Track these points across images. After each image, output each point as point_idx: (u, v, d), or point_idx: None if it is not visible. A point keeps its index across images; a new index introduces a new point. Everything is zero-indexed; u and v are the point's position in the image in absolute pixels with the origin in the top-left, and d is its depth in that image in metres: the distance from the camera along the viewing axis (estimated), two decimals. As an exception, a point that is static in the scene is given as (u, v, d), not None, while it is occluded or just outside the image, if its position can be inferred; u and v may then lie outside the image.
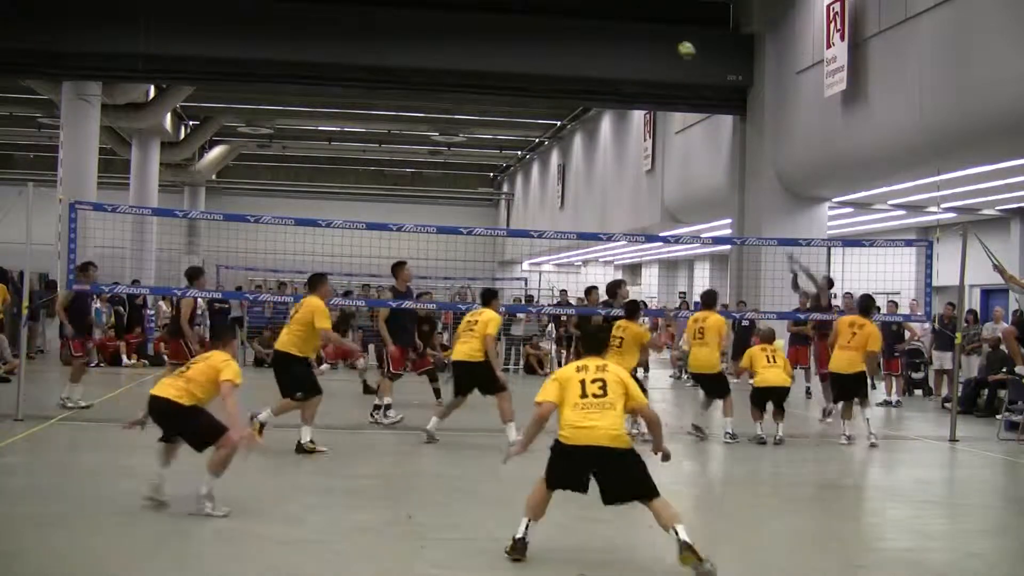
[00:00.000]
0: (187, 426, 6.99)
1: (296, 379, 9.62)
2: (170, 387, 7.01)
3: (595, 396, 5.95)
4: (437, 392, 12.78)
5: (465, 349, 10.36)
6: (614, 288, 12.57)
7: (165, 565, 5.70)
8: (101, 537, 6.25)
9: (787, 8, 19.32)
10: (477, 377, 10.30)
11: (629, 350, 10.72)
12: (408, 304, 12.36)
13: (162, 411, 7.02)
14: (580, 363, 6.22)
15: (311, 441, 9.55)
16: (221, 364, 7.13)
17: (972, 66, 13.80)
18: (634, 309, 11.22)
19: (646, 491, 5.91)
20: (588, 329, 6.53)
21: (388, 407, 11.84)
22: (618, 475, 5.95)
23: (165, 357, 12.78)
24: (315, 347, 10.18)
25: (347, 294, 21.35)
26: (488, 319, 10.42)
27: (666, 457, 6.33)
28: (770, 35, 19.92)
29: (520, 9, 20.58)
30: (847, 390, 11.35)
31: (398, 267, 12.43)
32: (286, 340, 9.70)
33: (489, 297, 11.04)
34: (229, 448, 6.86)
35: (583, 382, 6.02)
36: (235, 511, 7.06)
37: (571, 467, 6.01)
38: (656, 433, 6.25)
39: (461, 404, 10.52)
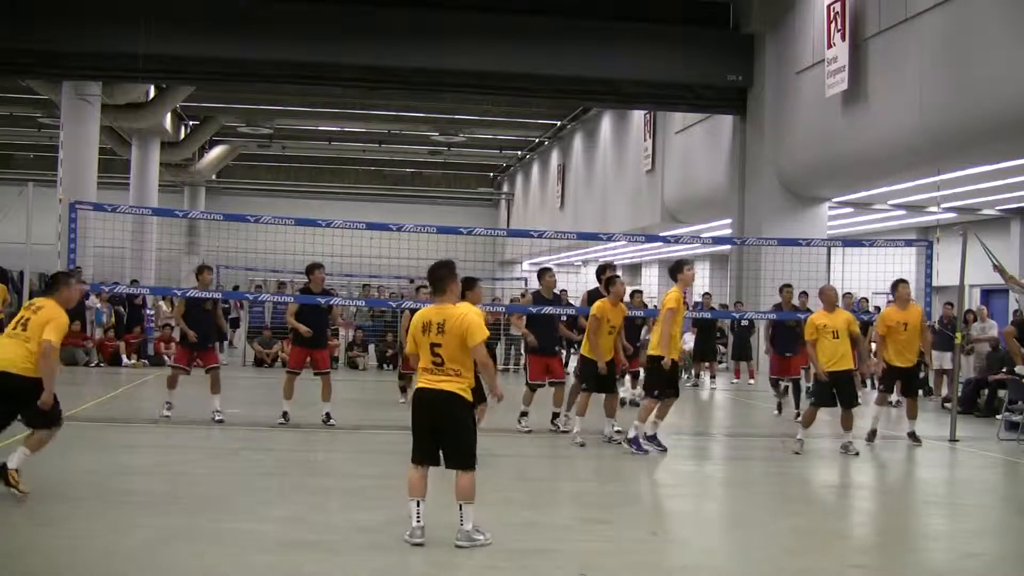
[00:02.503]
0: (462, 429, 6.17)
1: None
2: (443, 380, 6.08)
3: None
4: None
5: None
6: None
7: (165, 565, 5.69)
8: (100, 537, 6.24)
9: (787, 8, 19.32)
10: None
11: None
12: (549, 309, 11.86)
13: (446, 406, 6.12)
14: None
15: None
16: (470, 324, 6.06)
17: (972, 66, 13.80)
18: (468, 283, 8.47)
19: None
20: None
21: (523, 415, 11.43)
22: None
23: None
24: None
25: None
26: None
27: None
28: (770, 35, 19.92)
29: (520, 9, 20.58)
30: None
31: (544, 273, 12.09)
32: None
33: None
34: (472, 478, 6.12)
35: None
36: (235, 511, 7.06)
37: None
38: None
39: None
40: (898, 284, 11.66)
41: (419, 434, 6.25)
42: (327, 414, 11.41)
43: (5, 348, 7.09)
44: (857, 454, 10.43)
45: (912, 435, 11.41)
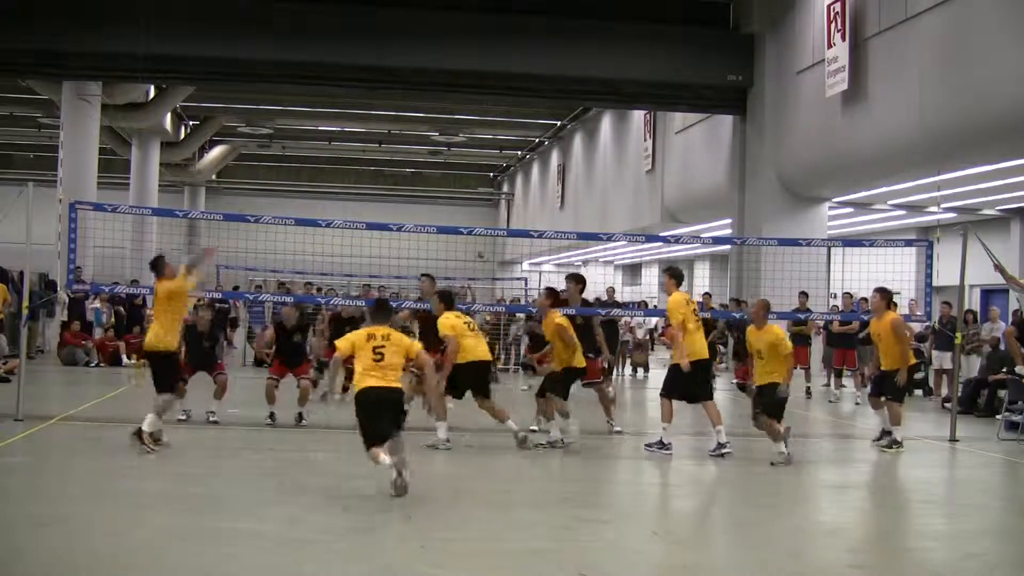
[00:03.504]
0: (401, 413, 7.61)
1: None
2: (390, 378, 7.53)
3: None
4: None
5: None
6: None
7: (166, 565, 5.69)
8: (101, 537, 6.25)
9: (787, 8, 19.32)
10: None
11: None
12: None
13: (397, 402, 7.58)
14: None
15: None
16: (407, 342, 7.85)
17: (972, 66, 13.81)
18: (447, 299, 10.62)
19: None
20: None
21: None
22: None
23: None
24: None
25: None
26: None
27: None
28: (770, 35, 19.92)
29: (520, 9, 20.58)
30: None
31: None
32: None
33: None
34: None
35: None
36: (235, 511, 7.07)
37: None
38: None
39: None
40: (874, 292, 11.44)
41: (376, 422, 7.40)
42: (299, 414, 11.48)
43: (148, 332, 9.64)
44: (773, 464, 9.71)
45: (885, 434, 11.17)
